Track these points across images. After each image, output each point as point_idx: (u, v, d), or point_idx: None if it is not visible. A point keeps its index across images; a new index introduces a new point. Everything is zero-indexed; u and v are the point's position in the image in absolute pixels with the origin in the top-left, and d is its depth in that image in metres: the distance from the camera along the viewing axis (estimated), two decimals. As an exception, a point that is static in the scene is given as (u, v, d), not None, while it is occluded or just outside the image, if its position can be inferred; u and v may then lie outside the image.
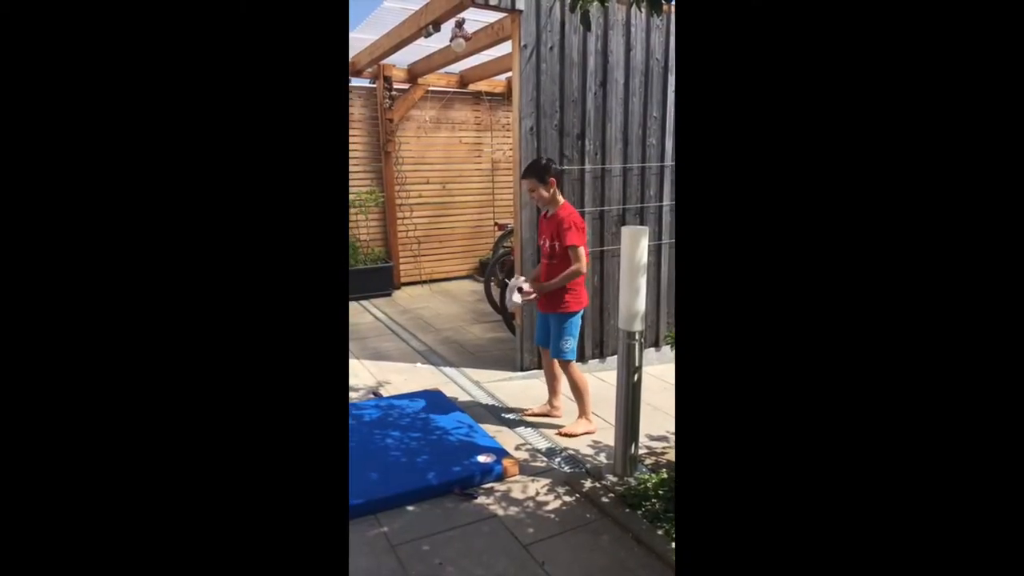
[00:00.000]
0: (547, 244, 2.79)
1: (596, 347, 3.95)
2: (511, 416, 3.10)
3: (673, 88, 3.82)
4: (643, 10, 3.06)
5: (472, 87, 6.26)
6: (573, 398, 2.91)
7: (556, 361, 2.86)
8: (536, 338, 3.06)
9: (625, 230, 2.32)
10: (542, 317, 2.91)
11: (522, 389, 3.46)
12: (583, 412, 2.87)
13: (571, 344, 2.78)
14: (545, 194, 2.73)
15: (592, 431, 2.86)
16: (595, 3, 2.12)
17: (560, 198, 2.79)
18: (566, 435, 2.83)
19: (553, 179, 2.73)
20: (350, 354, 4.19)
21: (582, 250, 2.69)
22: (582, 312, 2.81)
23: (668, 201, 3.98)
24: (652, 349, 3.98)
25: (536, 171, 2.73)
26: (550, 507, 2.23)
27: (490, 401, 3.31)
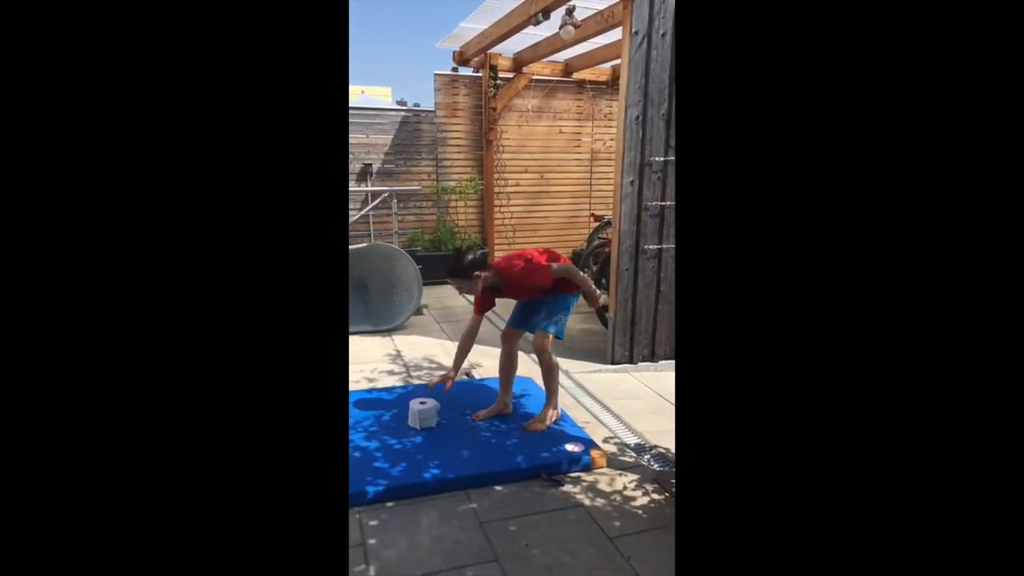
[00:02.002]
0: (538, 295, 2.61)
1: (691, 346, 3.83)
2: (600, 408, 3.08)
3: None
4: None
5: (576, 75, 6.21)
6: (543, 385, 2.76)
7: (536, 338, 2.64)
8: (513, 321, 2.76)
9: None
10: (523, 304, 2.73)
11: (612, 382, 3.43)
12: (551, 398, 2.74)
13: (563, 322, 2.65)
14: (478, 287, 2.49)
15: (557, 417, 2.75)
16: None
17: (494, 272, 2.54)
18: (531, 429, 2.67)
19: (478, 274, 2.46)
20: (445, 336, 4.33)
21: (556, 265, 2.53)
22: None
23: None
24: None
25: (456, 272, 2.48)
26: (637, 503, 2.20)
27: (579, 392, 3.30)
